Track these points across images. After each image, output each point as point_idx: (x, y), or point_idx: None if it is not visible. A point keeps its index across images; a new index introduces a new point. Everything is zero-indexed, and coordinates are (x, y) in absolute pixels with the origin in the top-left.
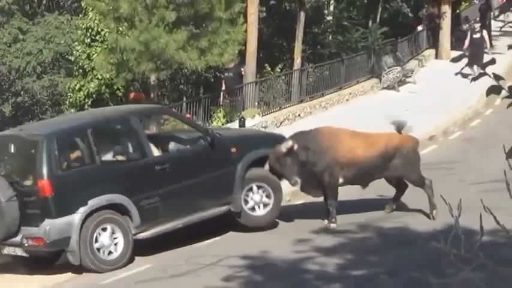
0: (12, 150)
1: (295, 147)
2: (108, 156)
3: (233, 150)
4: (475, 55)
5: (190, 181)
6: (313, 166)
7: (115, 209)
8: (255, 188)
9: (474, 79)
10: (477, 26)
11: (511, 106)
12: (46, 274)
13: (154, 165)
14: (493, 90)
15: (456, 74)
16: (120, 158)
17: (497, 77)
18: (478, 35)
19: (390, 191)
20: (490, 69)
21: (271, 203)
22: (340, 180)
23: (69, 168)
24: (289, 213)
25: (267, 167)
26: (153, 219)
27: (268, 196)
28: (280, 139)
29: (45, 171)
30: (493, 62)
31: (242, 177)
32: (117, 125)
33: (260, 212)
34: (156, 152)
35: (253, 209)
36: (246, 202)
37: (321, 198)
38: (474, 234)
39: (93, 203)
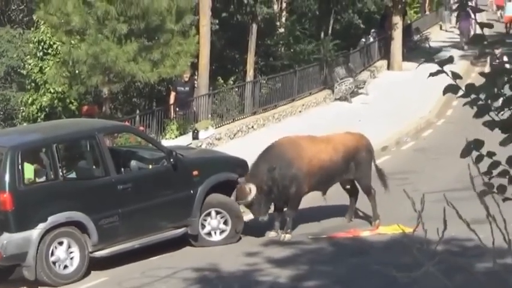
0: None
1: (258, 189)
2: (71, 173)
3: (195, 173)
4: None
5: (150, 202)
6: (283, 180)
7: (74, 225)
8: (213, 213)
9: (432, 75)
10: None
11: (466, 105)
12: None
13: (116, 184)
14: (450, 89)
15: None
16: (83, 174)
17: (455, 75)
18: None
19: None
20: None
21: (228, 230)
22: (305, 189)
23: (32, 182)
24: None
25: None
26: (111, 238)
27: (225, 223)
28: (242, 164)
29: (7, 184)
30: (450, 60)
31: (201, 201)
32: (82, 141)
33: (216, 237)
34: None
35: (209, 234)
36: (203, 226)
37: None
38: (431, 243)
39: (53, 219)
